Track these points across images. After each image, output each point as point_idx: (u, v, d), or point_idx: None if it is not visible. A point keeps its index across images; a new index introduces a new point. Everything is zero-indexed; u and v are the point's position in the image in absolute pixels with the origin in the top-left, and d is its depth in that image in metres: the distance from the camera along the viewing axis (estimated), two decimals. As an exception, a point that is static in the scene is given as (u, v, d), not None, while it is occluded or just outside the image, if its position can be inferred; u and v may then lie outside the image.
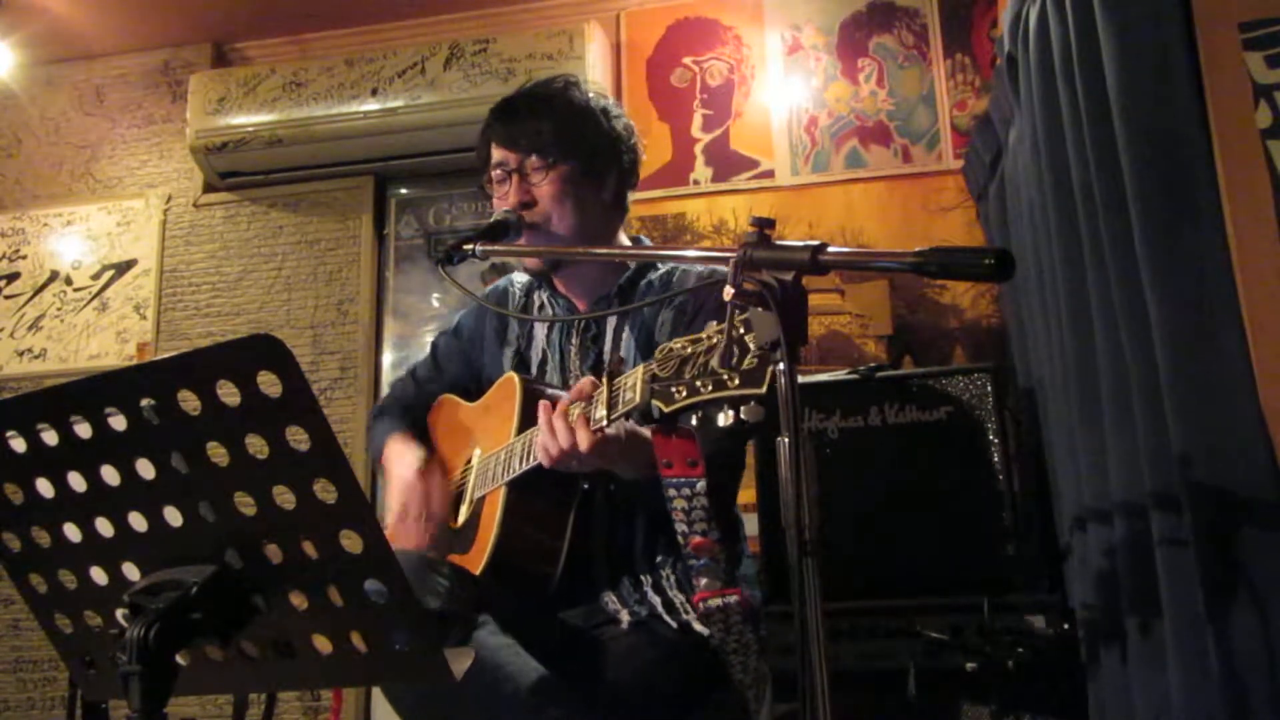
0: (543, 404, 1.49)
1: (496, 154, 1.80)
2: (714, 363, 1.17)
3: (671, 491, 1.33)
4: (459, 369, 1.99)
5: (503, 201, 1.78)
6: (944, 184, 3.32)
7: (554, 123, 1.76)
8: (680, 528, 1.33)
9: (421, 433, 1.97)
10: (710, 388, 1.18)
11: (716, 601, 1.32)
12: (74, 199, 4.00)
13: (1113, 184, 1.82)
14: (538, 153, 1.75)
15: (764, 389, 1.11)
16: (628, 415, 1.37)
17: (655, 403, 1.26)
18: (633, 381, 1.34)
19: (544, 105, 1.79)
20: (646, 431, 1.52)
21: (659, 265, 1.86)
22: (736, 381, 1.14)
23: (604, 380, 1.41)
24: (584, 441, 1.41)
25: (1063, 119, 2.04)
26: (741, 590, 1.37)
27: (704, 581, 1.33)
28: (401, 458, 1.85)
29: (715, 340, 1.20)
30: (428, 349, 2.09)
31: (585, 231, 1.77)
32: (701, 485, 1.32)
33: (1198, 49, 1.69)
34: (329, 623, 1.02)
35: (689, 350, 1.23)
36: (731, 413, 1.15)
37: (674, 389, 1.23)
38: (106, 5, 3.80)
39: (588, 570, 1.66)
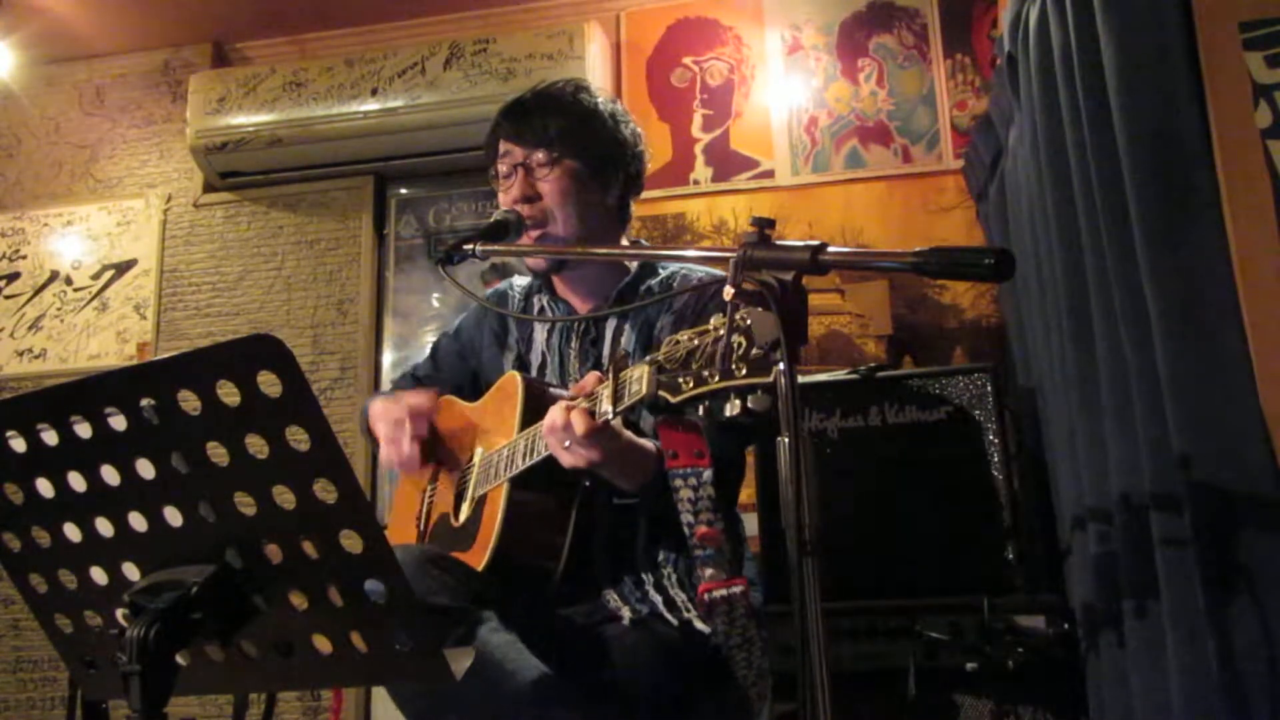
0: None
1: (504, 148, 1.81)
2: (720, 353, 1.17)
3: (678, 482, 1.33)
4: (456, 371, 2.00)
5: (507, 196, 1.78)
6: (944, 184, 3.32)
7: (562, 121, 1.77)
8: (686, 518, 1.33)
9: None
10: (717, 377, 1.18)
11: (721, 592, 1.31)
12: (74, 199, 4.00)
13: (1113, 184, 1.82)
14: (544, 148, 1.76)
15: (771, 377, 1.10)
16: (634, 407, 1.37)
17: (662, 394, 1.25)
18: (639, 374, 1.34)
19: (553, 104, 1.80)
20: (646, 443, 1.52)
21: (659, 270, 1.86)
22: (744, 371, 1.14)
23: (609, 374, 1.41)
24: (580, 425, 1.40)
25: (1063, 119, 2.04)
26: (746, 581, 1.37)
27: (709, 572, 1.32)
28: (388, 398, 1.86)
29: (721, 332, 1.20)
30: (429, 348, 2.10)
31: (587, 232, 1.77)
32: (708, 475, 1.32)
33: (1198, 49, 1.69)
34: (329, 623, 1.02)
35: (695, 342, 1.23)
36: (739, 402, 1.15)
37: (680, 380, 1.23)
38: (106, 5, 3.80)
39: (589, 568, 1.66)
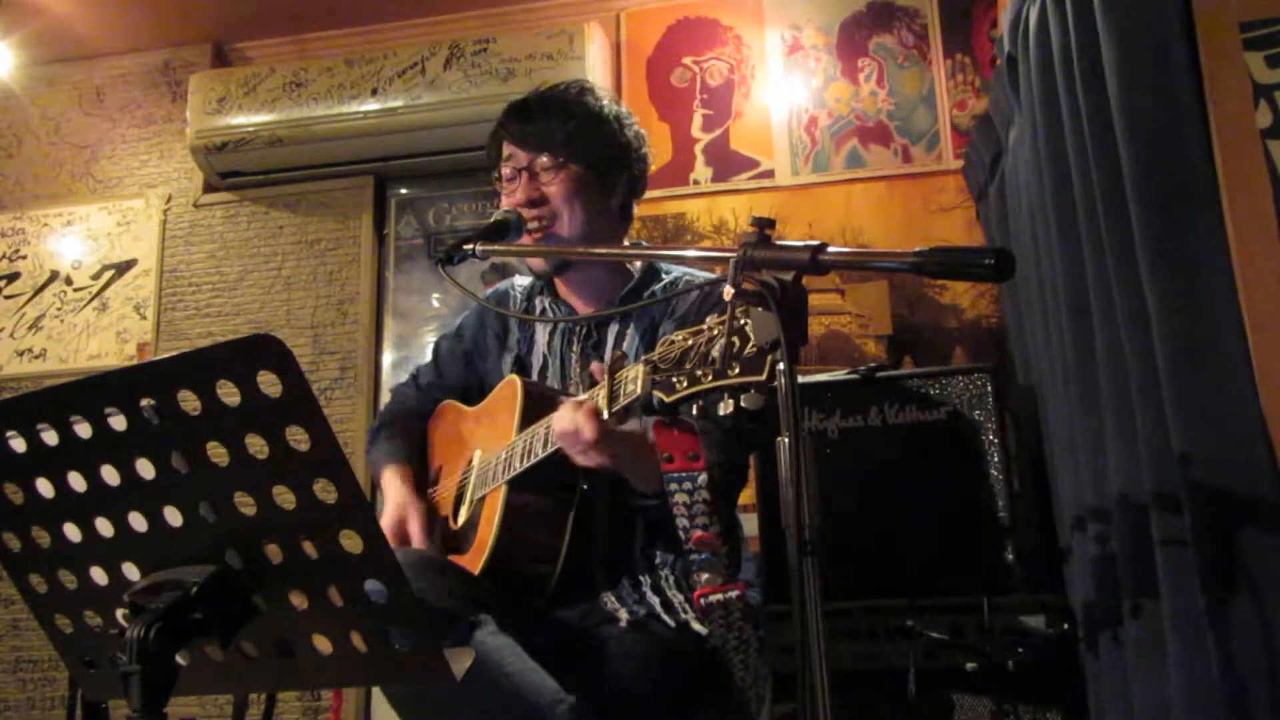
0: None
1: (508, 151, 1.81)
2: (714, 353, 1.18)
3: (673, 486, 1.33)
4: (461, 372, 1.99)
5: (511, 199, 1.78)
6: (944, 184, 3.32)
7: (567, 124, 1.77)
8: (681, 522, 1.33)
9: (422, 444, 1.98)
10: (711, 377, 1.18)
11: (718, 597, 1.32)
12: (74, 199, 4.00)
13: (1113, 184, 1.82)
14: (549, 152, 1.76)
15: (764, 375, 1.11)
16: (629, 407, 1.37)
17: (656, 393, 1.26)
18: (634, 374, 1.34)
19: (559, 107, 1.80)
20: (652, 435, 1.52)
21: (663, 275, 1.86)
22: (737, 370, 1.14)
23: (605, 374, 1.41)
24: (589, 430, 1.41)
25: (1063, 119, 2.04)
26: (743, 585, 1.37)
27: (705, 577, 1.33)
28: (390, 489, 1.87)
29: (716, 332, 1.20)
30: (429, 351, 2.09)
31: (590, 235, 1.77)
32: (703, 479, 1.32)
33: (1198, 49, 1.69)
34: (329, 623, 1.02)
35: (690, 342, 1.24)
36: (732, 402, 1.15)
37: (675, 379, 1.23)
38: (106, 5, 3.80)
39: (586, 571, 1.66)
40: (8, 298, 3.94)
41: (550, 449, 1.53)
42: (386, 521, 1.80)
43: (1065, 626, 2.15)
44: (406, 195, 3.82)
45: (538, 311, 1.91)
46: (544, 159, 1.76)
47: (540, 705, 1.42)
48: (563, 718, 1.42)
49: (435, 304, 3.70)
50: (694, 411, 1.23)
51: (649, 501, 1.56)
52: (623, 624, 1.59)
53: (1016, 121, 2.51)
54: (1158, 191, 1.70)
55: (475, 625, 1.48)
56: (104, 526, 1.05)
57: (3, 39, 3.86)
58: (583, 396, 1.46)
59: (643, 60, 3.66)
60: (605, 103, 1.84)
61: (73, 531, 1.07)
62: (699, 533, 1.32)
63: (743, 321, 1.13)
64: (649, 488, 1.54)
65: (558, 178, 1.75)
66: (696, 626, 1.58)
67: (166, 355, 1.00)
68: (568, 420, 1.43)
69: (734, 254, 1.11)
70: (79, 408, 1.01)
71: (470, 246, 1.62)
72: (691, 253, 1.70)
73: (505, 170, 1.81)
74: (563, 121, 1.77)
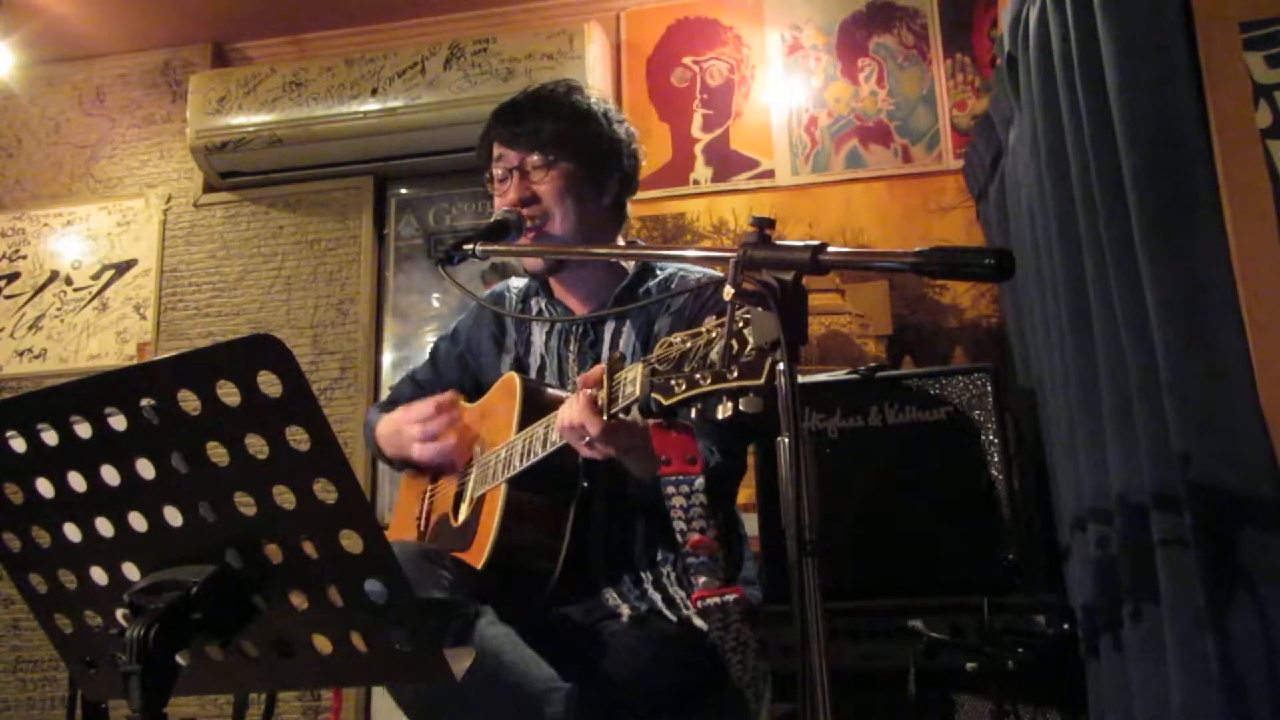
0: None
1: (498, 152, 1.81)
2: (713, 355, 1.17)
3: (670, 489, 1.33)
4: (457, 374, 2.00)
5: (503, 200, 1.79)
6: (944, 184, 3.32)
7: (556, 123, 1.77)
8: (679, 525, 1.34)
9: None
10: (709, 380, 1.18)
11: (715, 600, 1.32)
12: (74, 199, 4.00)
13: (1113, 184, 1.82)
14: (539, 151, 1.76)
15: (762, 380, 1.11)
16: (627, 409, 1.37)
17: (654, 396, 1.26)
18: (633, 375, 1.34)
19: (547, 106, 1.80)
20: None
21: (657, 272, 1.86)
22: (735, 373, 1.14)
23: (604, 375, 1.41)
24: (594, 426, 1.41)
25: (1063, 119, 2.04)
26: (741, 589, 1.37)
27: (702, 580, 1.33)
28: (403, 410, 1.86)
29: (714, 334, 1.20)
30: (428, 352, 2.10)
31: (584, 233, 1.77)
32: (700, 483, 1.32)
33: (1198, 49, 1.69)
34: (329, 623, 1.02)
35: (688, 344, 1.24)
36: (730, 405, 1.15)
37: (673, 382, 1.23)
38: (106, 5, 3.80)
39: (587, 568, 1.66)
40: (8, 298, 3.94)
41: (550, 448, 1.53)
42: (413, 411, 1.80)
43: (1065, 626, 2.15)
44: (406, 195, 3.82)
45: (534, 312, 1.91)
46: (534, 158, 1.77)
47: (536, 694, 1.42)
48: (557, 705, 1.42)
49: (435, 304, 3.70)
50: (692, 415, 1.23)
51: (649, 493, 1.56)
52: (625, 620, 1.59)
53: (1016, 121, 2.51)
54: (1158, 191, 1.70)
55: (476, 615, 1.48)
56: (104, 526, 1.05)
57: (3, 39, 3.85)
58: (586, 391, 1.46)
59: (643, 60, 3.66)
60: (594, 100, 1.85)
61: (73, 531, 1.07)
62: (696, 536, 1.33)
63: (741, 324, 1.13)
64: (651, 477, 1.54)
65: (548, 176, 1.76)
66: (698, 622, 1.57)
67: (166, 355, 1.00)
68: (572, 415, 1.43)
69: (734, 254, 1.11)
70: (79, 408, 1.01)
71: (470, 246, 1.62)
72: (691, 253, 1.70)
73: (496, 171, 1.81)
74: (552, 120, 1.77)
